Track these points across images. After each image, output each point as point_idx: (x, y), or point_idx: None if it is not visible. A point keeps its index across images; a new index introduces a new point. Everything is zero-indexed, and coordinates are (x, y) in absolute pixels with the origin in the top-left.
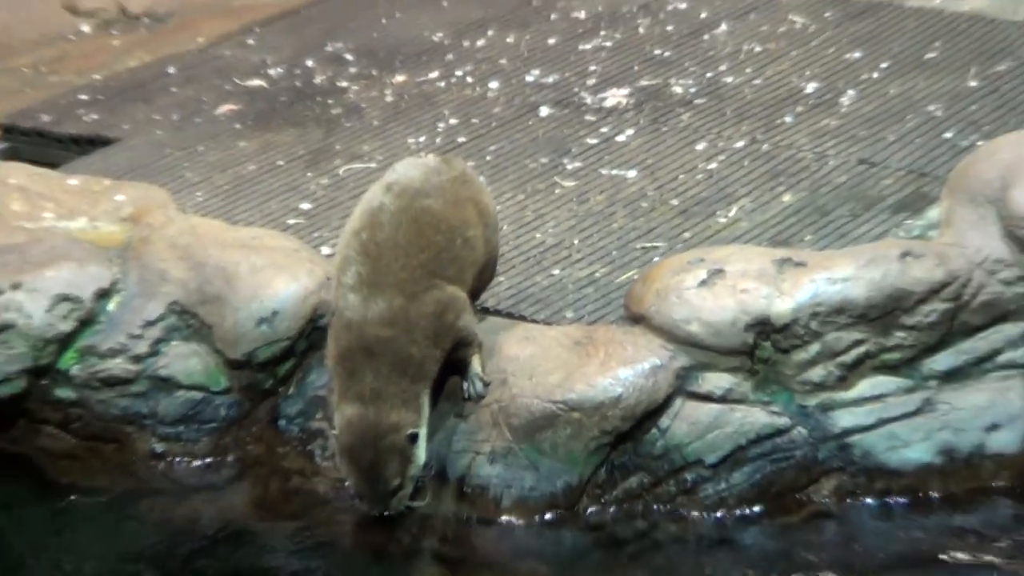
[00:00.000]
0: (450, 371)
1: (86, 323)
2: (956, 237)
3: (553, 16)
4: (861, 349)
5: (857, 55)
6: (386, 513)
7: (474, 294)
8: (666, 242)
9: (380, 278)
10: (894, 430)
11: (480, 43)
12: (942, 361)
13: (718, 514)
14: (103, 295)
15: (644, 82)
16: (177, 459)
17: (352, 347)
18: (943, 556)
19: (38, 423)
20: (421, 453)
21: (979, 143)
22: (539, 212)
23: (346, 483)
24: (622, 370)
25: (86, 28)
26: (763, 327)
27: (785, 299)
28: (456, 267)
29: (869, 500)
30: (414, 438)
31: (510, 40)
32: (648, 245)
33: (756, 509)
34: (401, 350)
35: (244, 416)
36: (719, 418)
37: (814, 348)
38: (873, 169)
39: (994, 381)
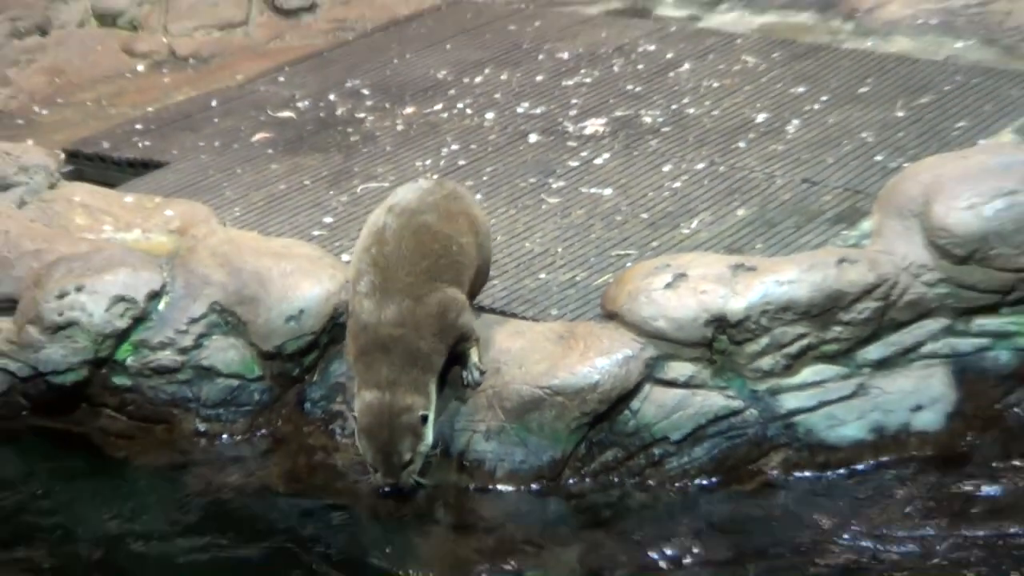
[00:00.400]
0: (452, 362)
1: (139, 320)
2: (885, 245)
3: (540, 57)
4: (804, 341)
5: (801, 90)
6: (397, 485)
7: (471, 294)
8: (637, 250)
9: (389, 285)
10: (832, 411)
11: (478, 80)
12: (874, 352)
13: (681, 484)
14: (154, 296)
15: (618, 113)
16: (217, 437)
17: (369, 345)
18: (874, 517)
19: (98, 406)
20: (430, 433)
21: (905, 165)
22: (528, 224)
23: (364, 459)
24: (599, 360)
25: (141, 68)
26: (720, 323)
27: (739, 299)
28: (453, 272)
29: (811, 471)
30: (424, 419)
31: (504, 77)
32: (621, 253)
33: (714, 479)
34: (411, 345)
35: (275, 400)
36: (682, 401)
37: (764, 341)
38: (814, 187)
39: (918, 369)
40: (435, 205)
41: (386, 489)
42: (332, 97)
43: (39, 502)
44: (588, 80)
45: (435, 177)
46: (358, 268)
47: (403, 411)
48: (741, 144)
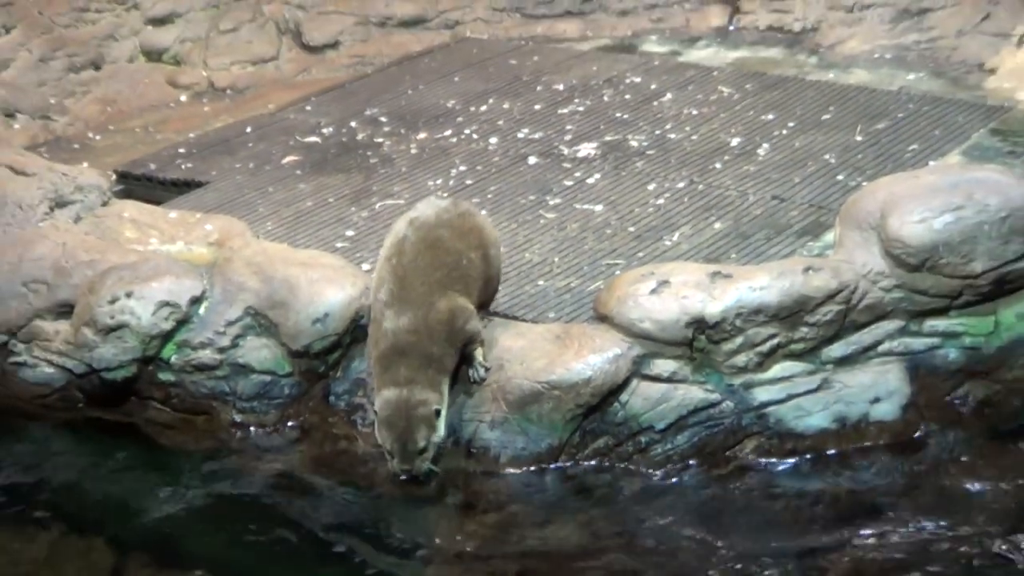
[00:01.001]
0: (461, 363)
1: (182, 323)
2: (846, 255)
3: (538, 88)
4: (774, 341)
5: (770, 117)
6: (412, 471)
7: (483, 305)
8: (625, 260)
9: (406, 293)
10: (800, 403)
11: (483, 108)
12: (837, 350)
13: (665, 468)
14: (195, 301)
15: (608, 138)
16: (252, 427)
17: (388, 350)
18: (837, 496)
19: (145, 399)
20: (442, 426)
21: (864, 183)
22: (528, 237)
23: (382, 448)
24: (592, 358)
25: (184, 98)
26: (699, 324)
27: (716, 303)
28: (463, 283)
29: (781, 457)
30: (438, 413)
31: (506, 106)
32: (611, 262)
33: (694, 464)
34: (425, 349)
35: (303, 394)
36: (666, 394)
37: (738, 340)
38: (783, 203)
39: (876, 365)
40: (450, 222)
41: (402, 476)
42: (353, 124)
43: (94, 483)
44: (581, 109)
45: (452, 198)
46: (380, 276)
47: (419, 404)
48: (717, 165)
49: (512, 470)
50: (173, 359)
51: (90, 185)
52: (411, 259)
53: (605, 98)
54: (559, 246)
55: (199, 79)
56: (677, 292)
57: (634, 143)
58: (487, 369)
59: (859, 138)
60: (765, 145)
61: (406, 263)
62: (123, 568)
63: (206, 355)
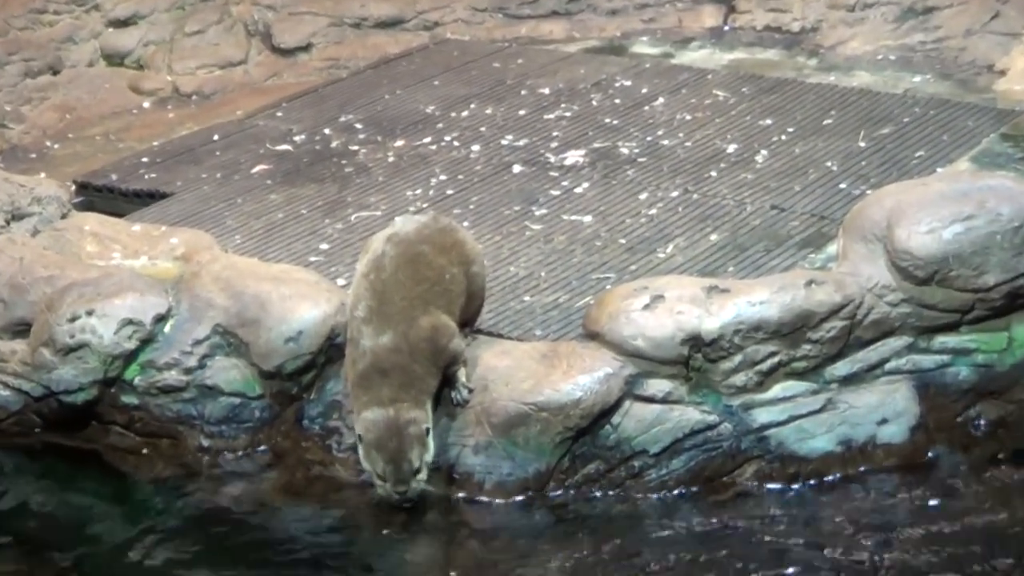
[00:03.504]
0: (442, 384)
1: (146, 342)
2: (851, 268)
3: (523, 92)
4: (775, 359)
5: (768, 122)
6: (407, 494)
7: (466, 323)
8: (616, 273)
9: (386, 308)
10: (802, 425)
11: (464, 114)
12: (841, 368)
13: (660, 494)
14: (160, 319)
15: (597, 144)
16: (220, 452)
17: (368, 369)
18: (842, 524)
19: (107, 424)
20: (432, 445)
21: (868, 192)
22: (513, 250)
23: (371, 472)
24: (581, 377)
25: (147, 104)
26: (695, 342)
27: (713, 319)
28: (445, 299)
29: (783, 482)
30: (427, 431)
31: (489, 112)
32: (601, 276)
33: (691, 490)
34: (407, 367)
35: (275, 417)
36: (660, 416)
37: (737, 358)
38: (783, 213)
39: (883, 384)
40: (430, 238)
41: (395, 499)
42: (327, 131)
43: (52, 513)
44: (568, 114)
45: (431, 212)
46: (356, 293)
47: (409, 423)
48: (713, 173)
49: (497, 497)
50: (137, 381)
51: (48, 197)
52: (390, 274)
53: (593, 103)
54: (546, 259)
55: (163, 84)
56: (672, 308)
57: (624, 150)
58: (470, 390)
59: (862, 144)
60: (763, 152)
61: (385, 278)
62: None
63: (172, 376)
